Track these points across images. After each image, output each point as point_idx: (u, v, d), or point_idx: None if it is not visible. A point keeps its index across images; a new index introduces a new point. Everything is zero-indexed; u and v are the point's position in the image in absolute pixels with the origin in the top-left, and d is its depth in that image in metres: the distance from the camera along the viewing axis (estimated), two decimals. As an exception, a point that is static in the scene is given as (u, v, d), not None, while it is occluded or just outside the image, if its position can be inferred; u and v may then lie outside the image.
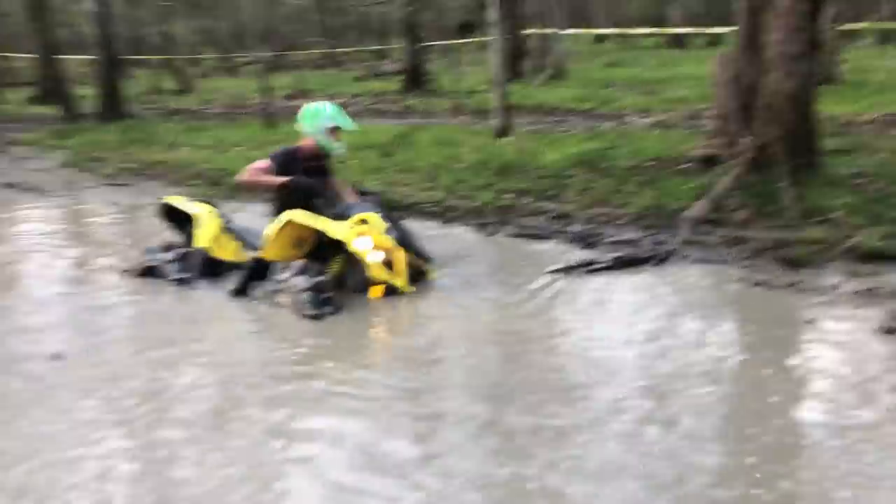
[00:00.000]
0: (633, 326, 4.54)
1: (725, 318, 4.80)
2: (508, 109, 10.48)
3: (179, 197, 6.36)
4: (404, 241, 5.47)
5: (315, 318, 4.88)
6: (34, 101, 18.74)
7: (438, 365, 4.25)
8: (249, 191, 6.95)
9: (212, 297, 5.38)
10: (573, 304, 5.00)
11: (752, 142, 6.59)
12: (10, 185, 9.99)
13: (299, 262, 5.19)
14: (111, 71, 14.55)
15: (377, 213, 5.43)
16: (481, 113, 13.35)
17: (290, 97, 18.04)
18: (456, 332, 4.63)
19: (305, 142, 5.82)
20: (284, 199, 5.68)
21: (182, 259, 5.79)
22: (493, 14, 10.20)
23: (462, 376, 4.06)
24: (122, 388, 3.94)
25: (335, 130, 5.76)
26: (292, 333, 4.71)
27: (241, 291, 5.38)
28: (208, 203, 6.07)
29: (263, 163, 5.70)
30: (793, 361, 4.05)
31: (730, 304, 4.97)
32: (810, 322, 4.48)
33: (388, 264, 5.26)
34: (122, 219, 8.00)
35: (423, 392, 3.85)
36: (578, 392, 3.74)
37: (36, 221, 7.95)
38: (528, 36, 21.54)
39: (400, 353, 4.44)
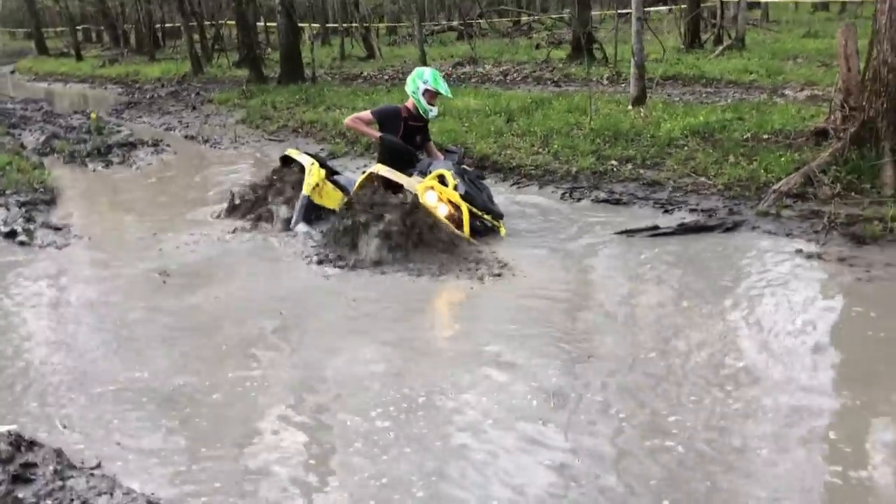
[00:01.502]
0: (646, 287, 4.72)
1: (753, 284, 4.78)
2: (644, 79, 10.40)
3: (297, 150, 7.13)
4: (476, 197, 5.89)
5: (377, 262, 5.42)
6: (238, 65, 20.81)
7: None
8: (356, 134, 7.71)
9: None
10: (613, 264, 5.22)
11: (857, 116, 6.28)
12: (189, 137, 11.45)
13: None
14: (292, 37, 15.91)
15: (451, 171, 5.91)
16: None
17: (458, 65, 18.67)
18: (494, 284, 5.02)
19: (408, 103, 6.40)
20: (381, 151, 6.36)
21: (288, 202, 6.57)
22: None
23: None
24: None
25: (432, 94, 6.28)
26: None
27: (326, 232, 6.05)
28: (315, 157, 6.78)
29: (365, 114, 6.45)
30: (781, 324, 4.07)
31: (767, 271, 4.93)
32: (834, 293, 4.42)
33: (456, 218, 5.71)
34: (253, 168, 8.96)
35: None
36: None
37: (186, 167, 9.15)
38: (722, 4, 20.65)
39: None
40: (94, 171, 9.43)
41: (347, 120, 6.56)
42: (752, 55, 17.35)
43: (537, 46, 24.50)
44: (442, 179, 5.85)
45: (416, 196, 5.57)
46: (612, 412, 3.32)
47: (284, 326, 4.40)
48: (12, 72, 29.11)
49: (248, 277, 5.24)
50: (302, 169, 6.64)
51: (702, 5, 20.44)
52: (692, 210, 6.22)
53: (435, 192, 5.65)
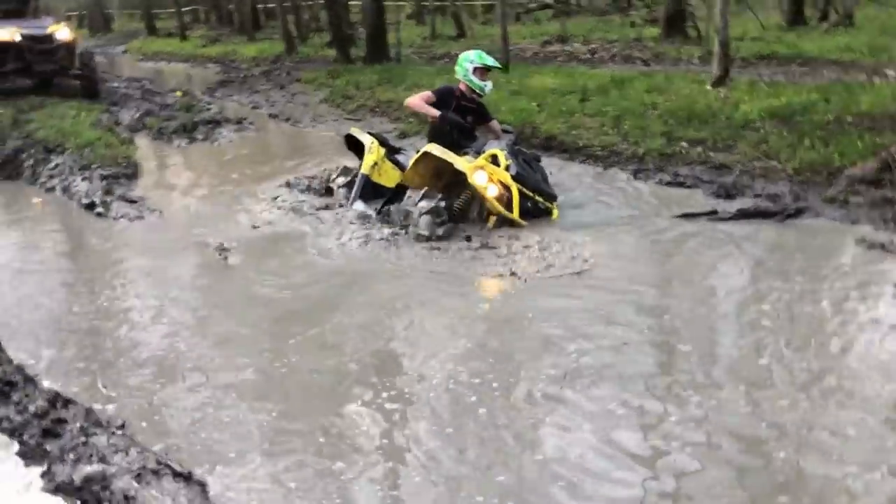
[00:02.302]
0: (691, 274, 4.58)
1: (802, 273, 4.56)
2: (728, 58, 10.00)
3: (359, 129, 7.23)
4: (527, 178, 5.84)
5: (427, 238, 5.49)
6: (330, 45, 21.15)
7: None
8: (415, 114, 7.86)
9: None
10: (667, 248, 5.09)
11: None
12: (272, 116, 11.79)
13: (424, 189, 5.82)
14: (377, 18, 16.05)
15: (504, 150, 5.88)
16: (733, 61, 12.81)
17: (546, 43, 18.41)
18: (536, 255, 4.98)
19: (461, 84, 6.43)
20: (437, 129, 6.41)
21: (350, 182, 6.70)
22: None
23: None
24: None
25: (482, 71, 6.30)
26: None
27: (382, 212, 6.15)
28: (375, 135, 6.85)
29: (426, 94, 6.50)
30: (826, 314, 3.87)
31: (820, 261, 4.69)
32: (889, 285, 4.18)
33: (506, 198, 5.69)
34: (327, 146, 9.12)
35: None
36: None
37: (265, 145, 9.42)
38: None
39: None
40: (178, 146, 9.84)
41: (408, 100, 6.63)
42: (859, 33, 16.40)
43: (632, 24, 23.87)
44: (495, 159, 5.84)
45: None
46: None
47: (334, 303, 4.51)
48: (124, 52, 30.54)
49: (295, 255, 5.39)
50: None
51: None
52: (757, 195, 6.00)
53: (485, 173, 5.63)
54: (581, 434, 3.04)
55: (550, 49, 17.55)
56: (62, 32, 13.27)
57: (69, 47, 13.29)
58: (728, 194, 6.08)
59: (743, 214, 5.57)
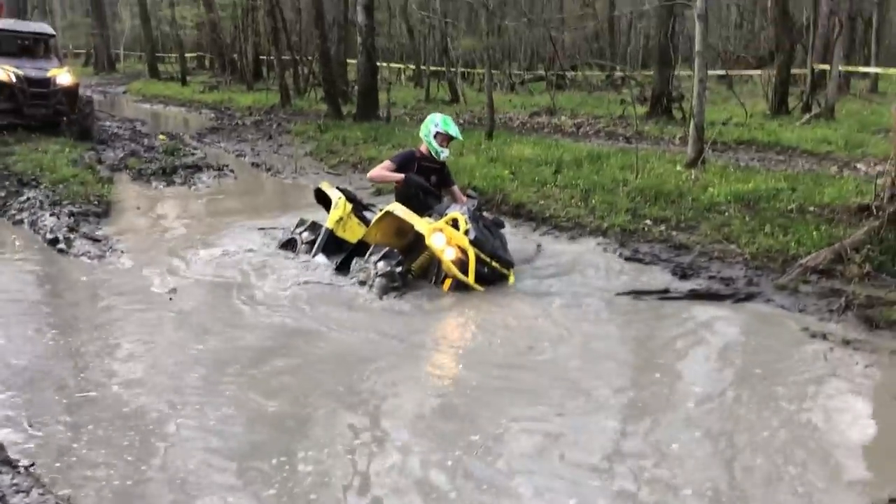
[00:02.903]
0: (635, 350, 4.60)
1: (741, 358, 4.59)
2: (702, 141, 10.22)
3: (328, 184, 7.32)
4: (485, 244, 5.90)
5: (379, 297, 5.53)
6: (324, 99, 21.52)
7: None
8: (379, 184, 7.89)
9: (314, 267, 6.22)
10: (607, 325, 5.12)
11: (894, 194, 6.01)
12: (255, 164, 11.91)
13: (385, 248, 5.88)
14: (370, 77, 16.39)
15: (465, 215, 5.95)
16: (709, 145, 13.10)
17: (534, 114, 18.77)
18: (478, 325, 5.00)
19: (422, 146, 6.54)
20: (403, 192, 6.48)
21: (314, 235, 6.75)
22: (697, 43, 10.01)
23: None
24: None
25: (444, 137, 6.42)
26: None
27: (342, 266, 6.19)
28: (343, 191, 6.93)
29: (386, 163, 6.57)
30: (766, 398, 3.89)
31: (759, 347, 4.73)
32: (823, 377, 4.21)
33: (464, 263, 5.74)
34: (301, 199, 9.18)
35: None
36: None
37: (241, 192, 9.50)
38: (812, 71, 20.13)
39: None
40: (155, 188, 9.90)
41: (370, 173, 6.71)
42: (839, 126, 16.79)
43: (622, 101, 24.36)
44: (455, 223, 5.90)
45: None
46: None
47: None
48: (124, 92, 30.92)
49: (248, 296, 5.41)
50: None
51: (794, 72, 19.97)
52: (711, 277, 6.05)
53: (444, 235, 5.70)
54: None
55: (538, 120, 17.90)
56: (63, 77, 13.11)
57: (69, 92, 13.11)
58: (684, 274, 6.13)
59: (694, 295, 5.63)
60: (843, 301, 5.21)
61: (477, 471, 3.27)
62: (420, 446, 3.47)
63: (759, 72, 25.62)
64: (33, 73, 12.76)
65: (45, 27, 15.40)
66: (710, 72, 24.86)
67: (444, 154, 6.51)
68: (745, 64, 25.78)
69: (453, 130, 6.44)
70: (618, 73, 32.07)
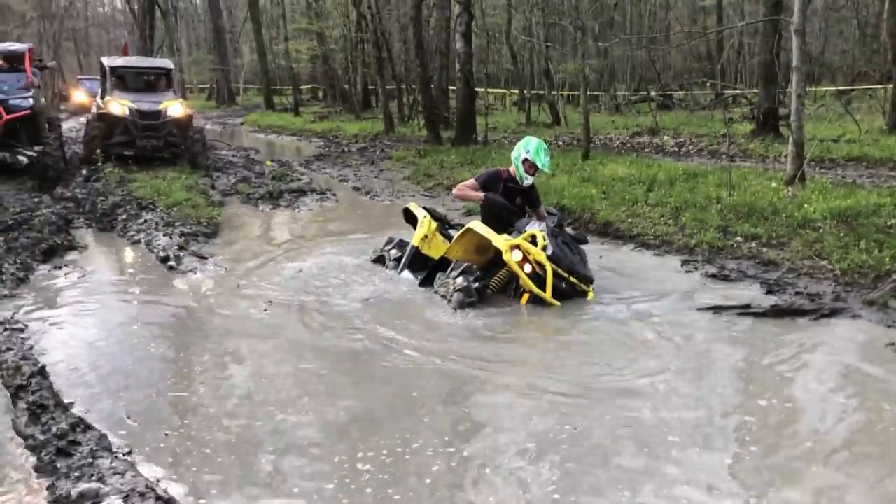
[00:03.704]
0: (697, 363, 4.59)
1: (817, 374, 4.50)
2: (802, 158, 9.92)
3: (416, 204, 7.61)
4: (562, 259, 6.01)
5: (455, 310, 5.74)
6: (425, 126, 22.12)
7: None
8: (464, 202, 8.29)
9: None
10: (682, 340, 5.12)
11: None
12: (356, 188, 12.42)
13: (465, 264, 6.09)
14: (468, 103, 16.76)
15: (543, 231, 6.09)
16: (816, 162, 12.74)
17: (636, 134, 18.62)
18: (539, 338, 5.11)
19: (511, 167, 6.71)
20: (486, 211, 6.68)
21: (401, 252, 7.04)
22: (795, 59, 9.78)
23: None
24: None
25: (530, 164, 6.53)
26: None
27: (426, 281, 6.44)
28: (429, 210, 7.20)
29: (470, 181, 6.77)
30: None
31: (839, 362, 4.62)
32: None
33: (541, 278, 5.87)
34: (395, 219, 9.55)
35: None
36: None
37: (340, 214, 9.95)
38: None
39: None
40: (262, 210, 10.51)
41: (455, 190, 6.90)
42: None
43: (730, 120, 23.73)
44: (534, 240, 6.04)
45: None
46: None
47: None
48: (242, 123, 32.65)
49: (335, 311, 5.72)
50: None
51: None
52: (797, 293, 5.92)
53: (521, 251, 5.86)
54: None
55: (639, 140, 17.76)
56: (174, 109, 13.74)
57: (180, 124, 13.73)
58: (769, 290, 6.03)
59: (776, 311, 5.54)
60: (935, 317, 5.03)
61: None
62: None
63: (880, 86, 24.45)
64: (146, 107, 13.50)
65: (164, 62, 16.56)
66: (827, 87, 23.94)
67: (528, 181, 6.59)
68: (870, 79, 24.59)
69: (541, 162, 6.49)
70: (729, 92, 31.31)
